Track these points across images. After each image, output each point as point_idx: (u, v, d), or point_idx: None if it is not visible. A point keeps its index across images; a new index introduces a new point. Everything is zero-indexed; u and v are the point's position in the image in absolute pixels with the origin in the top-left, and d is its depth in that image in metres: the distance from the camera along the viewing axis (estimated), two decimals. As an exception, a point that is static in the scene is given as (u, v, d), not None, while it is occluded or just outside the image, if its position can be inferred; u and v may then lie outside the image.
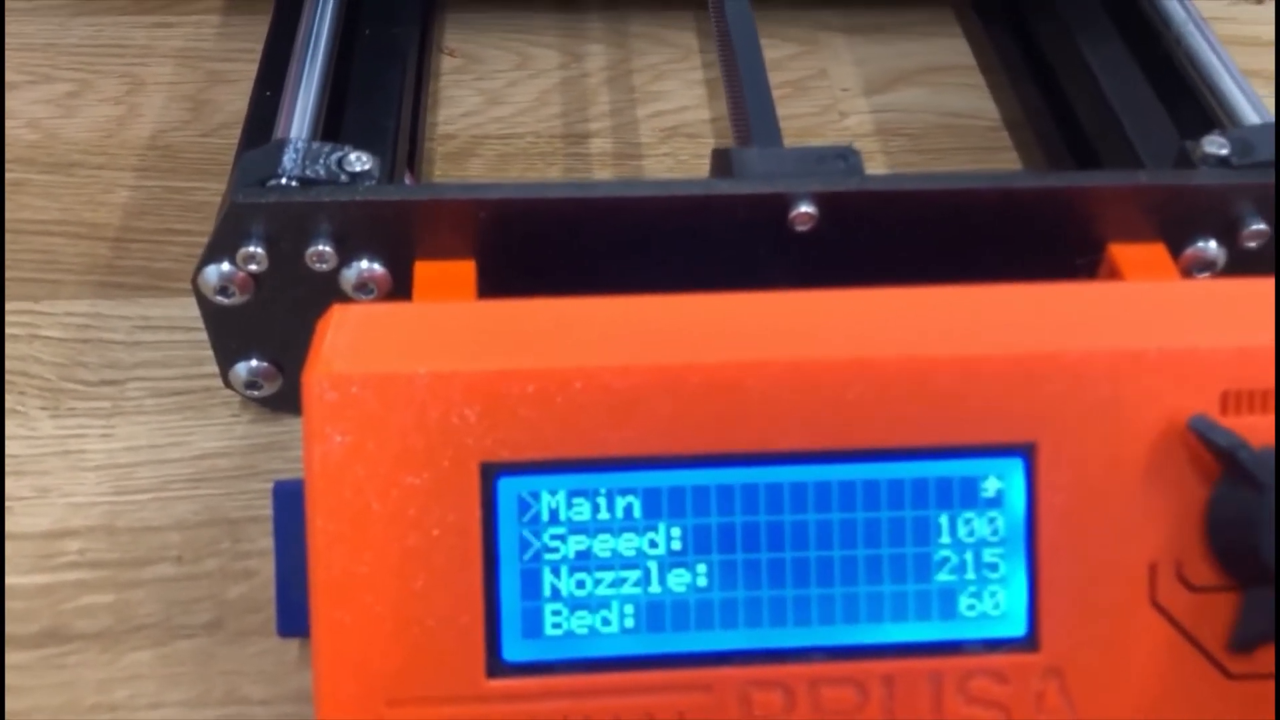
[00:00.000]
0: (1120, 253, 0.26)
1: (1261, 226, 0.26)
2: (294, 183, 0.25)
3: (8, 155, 0.36)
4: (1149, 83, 0.32)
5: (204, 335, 0.28)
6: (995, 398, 0.21)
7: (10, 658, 0.24)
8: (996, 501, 0.22)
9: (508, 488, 0.21)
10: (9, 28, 0.40)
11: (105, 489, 0.28)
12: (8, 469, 0.28)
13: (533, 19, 0.42)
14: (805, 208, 0.25)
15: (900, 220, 0.25)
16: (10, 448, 0.28)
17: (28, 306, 0.32)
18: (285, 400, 0.28)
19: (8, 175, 0.36)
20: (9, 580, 0.26)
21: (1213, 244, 0.26)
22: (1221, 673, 0.22)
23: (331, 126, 0.29)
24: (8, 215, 0.34)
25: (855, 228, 0.25)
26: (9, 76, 0.39)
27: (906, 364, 0.21)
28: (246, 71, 0.34)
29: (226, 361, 0.27)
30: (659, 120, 0.38)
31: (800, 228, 0.25)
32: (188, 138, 0.37)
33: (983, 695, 0.22)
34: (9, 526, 0.27)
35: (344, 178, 0.25)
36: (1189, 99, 0.30)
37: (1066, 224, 0.26)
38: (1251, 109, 0.28)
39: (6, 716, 0.23)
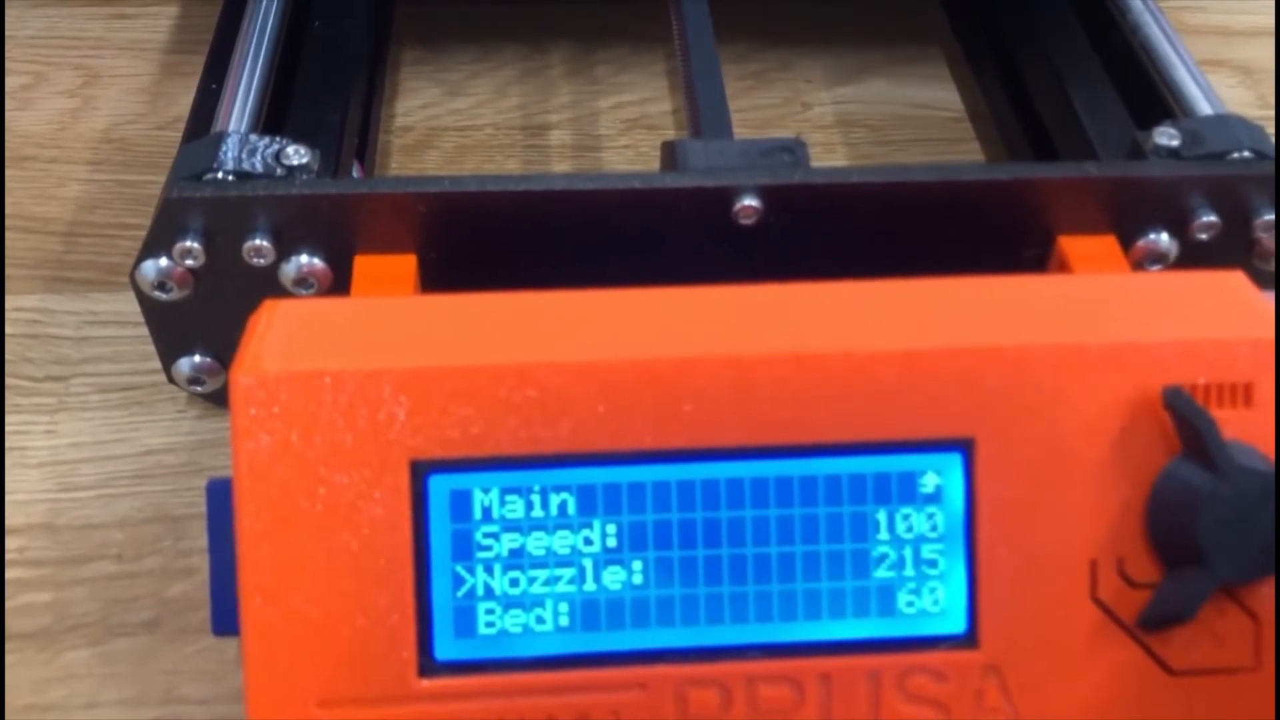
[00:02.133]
0: (1070, 245, 0.26)
1: (1213, 219, 0.26)
2: (230, 176, 0.24)
3: (-43, 149, 0.36)
4: (1107, 74, 0.31)
5: (151, 331, 0.27)
6: (934, 392, 0.21)
7: (-55, 658, 0.24)
8: (935, 497, 0.21)
9: (439, 485, 0.21)
10: (-35, 20, 0.40)
11: (48, 486, 0.27)
12: (-52, 467, 0.28)
13: (494, 10, 0.41)
14: (749, 201, 0.24)
15: (846, 213, 0.25)
16: (-47, 445, 0.28)
17: (-25, 301, 0.31)
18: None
19: (-43, 169, 0.35)
20: (-54, 579, 0.25)
21: (1164, 236, 0.26)
22: (1163, 669, 0.22)
23: (276, 120, 0.29)
24: (-43, 210, 0.34)
25: (801, 221, 0.25)
26: (-36, 69, 0.38)
27: (844, 359, 0.21)
28: (202, 65, 0.33)
29: (169, 357, 0.27)
30: (620, 112, 0.38)
31: (744, 221, 0.25)
32: (142, 130, 0.37)
33: (921, 693, 0.21)
34: (-52, 525, 0.26)
35: (281, 171, 0.25)
36: (1146, 90, 0.30)
37: (1015, 217, 0.25)
38: (1204, 100, 0.28)
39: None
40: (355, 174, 0.30)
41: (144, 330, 0.28)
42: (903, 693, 0.21)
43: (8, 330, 0.31)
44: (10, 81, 0.38)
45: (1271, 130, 0.28)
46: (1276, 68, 0.29)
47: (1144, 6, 0.31)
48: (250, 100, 0.27)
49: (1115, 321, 0.22)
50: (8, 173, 0.35)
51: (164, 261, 0.25)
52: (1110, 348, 0.21)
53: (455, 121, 0.37)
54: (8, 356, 0.30)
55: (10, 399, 0.29)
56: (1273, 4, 0.42)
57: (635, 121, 0.38)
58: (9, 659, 0.24)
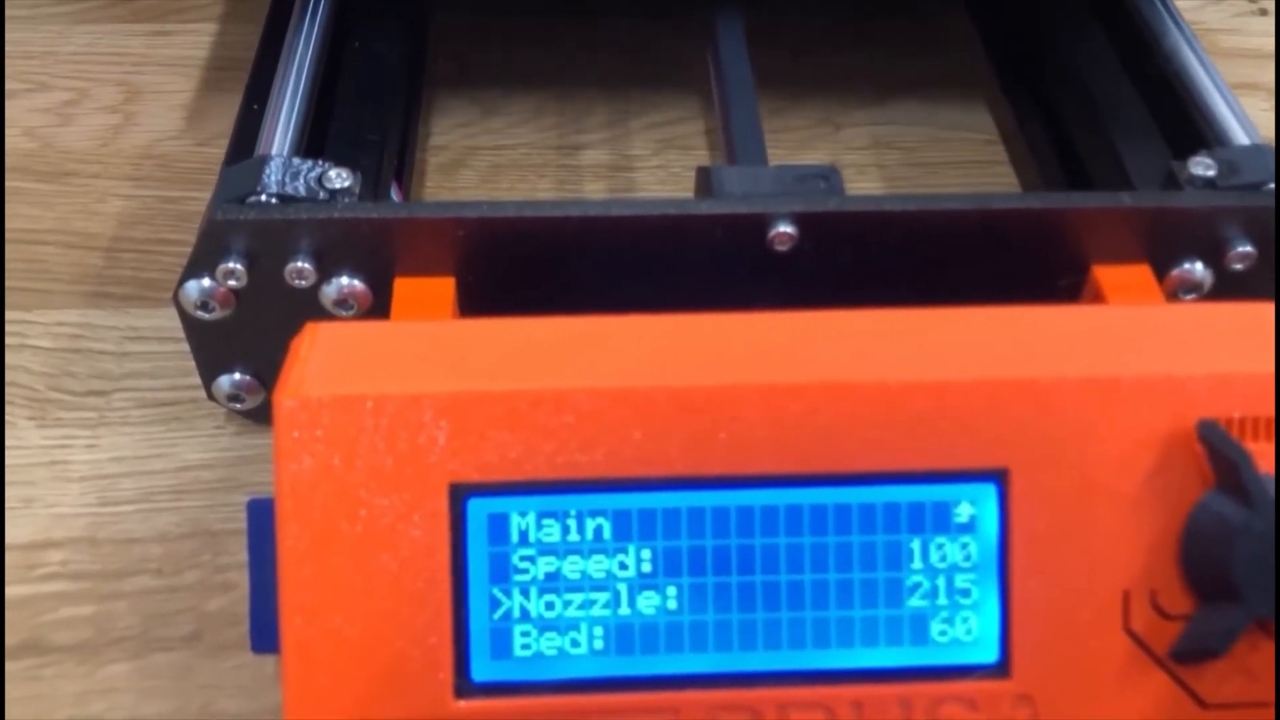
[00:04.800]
0: (1104, 274, 0.26)
1: (1248, 249, 0.26)
2: (274, 199, 0.25)
3: (5, 164, 0.36)
4: (1142, 100, 0.31)
5: (191, 348, 0.28)
6: (968, 423, 0.21)
7: (-13, 670, 0.25)
8: (969, 527, 0.22)
9: (477, 509, 0.21)
10: (10, 36, 0.41)
11: (89, 500, 0.28)
12: (-7, 479, 0.28)
13: (527, 30, 0.41)
14: (784, 228, 0.25)
15: (880, 241, 0.25)
16: (-4, 457, 0.29)
17: (19, 315, 0.32)
18: (269, 413, 0.28)
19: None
20: (-10, 591, 0.26)
21: (1199, 266, 0.26)
22: (1196, 702, 0.22)
23: (316, 142, 0.29)
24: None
25: (835, 248, 0.25)
26: (8, 85, 0.39)
27: (880, 389, 0.21)
28: (243, 81, 0.34)
29: (209, 375, 0.27)
30: (653, 132, 0.38)
31: (779, 248, 0.25)
32: (183, 147, 0.37)
33: (953, 722, 0.21)
34: (-8, 537, 0.27)
35: (324, 194, 0.25)
36: (1181, 117, 0.30)
37: (1049, 245, 0.26)
38: (1240, 129, 0.28)
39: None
40: (394, 194, 0.31)
41: (183, 346, 0.28)
42: (934, 721, 0.21)
43: (50, 345, 0.31)
44: (53, 98, 0.39)
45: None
46: (1277, 74, 0.29)
47: (1179, 34, 0.31)
48: (293, 123, 0.27)
49: (1150, 354, 0.22)
50: (51, 188, 0.36)
51: (207, 282, 0.25)
52: (1145, 380, 0.21)
53: (489, 141, 0.38)
54: (50, 370, 0.31)
55: (52, 413, 0.30)
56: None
57: (668, 142, 0.38)
58: (49, 671, 0.25)
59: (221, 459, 0.29)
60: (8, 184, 0.36)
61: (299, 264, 0.25)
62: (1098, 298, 0.26)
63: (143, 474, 0.28)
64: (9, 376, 0.30)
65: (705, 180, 0.26)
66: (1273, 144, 0.28)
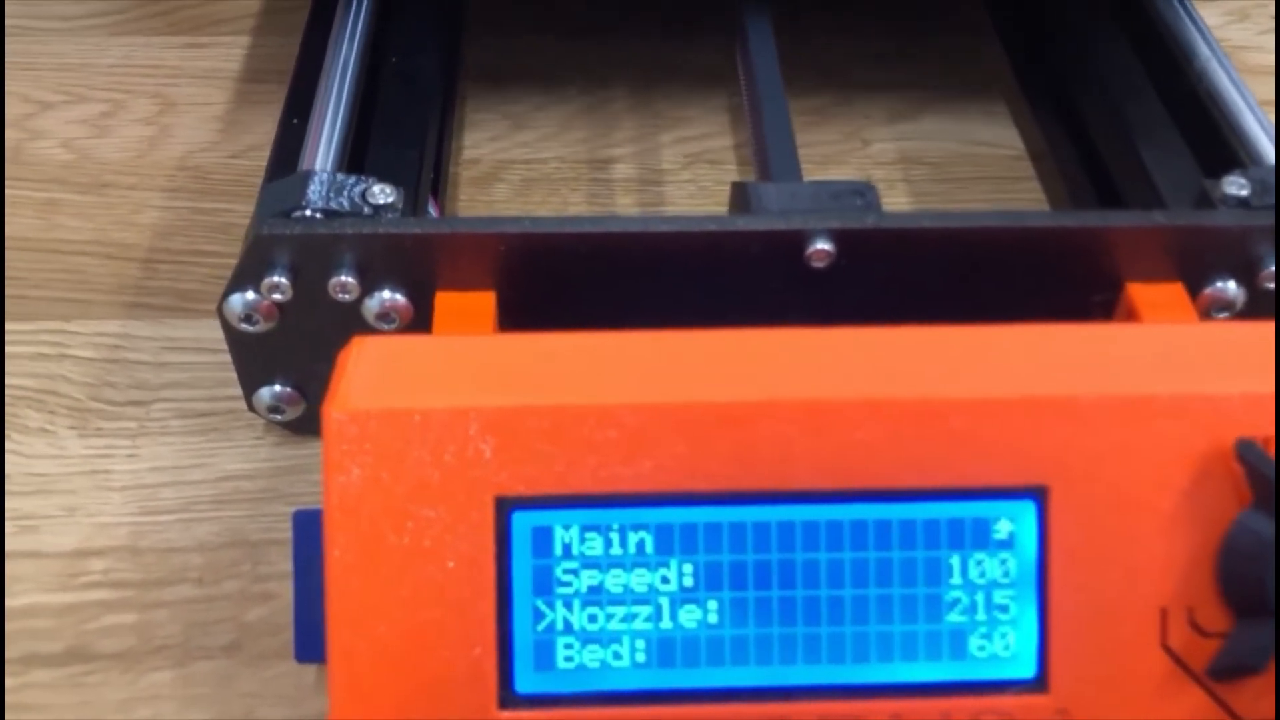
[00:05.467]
0: (1138, 292, 0.26)
1: (1281, 267, 0.26)
2: (318, 214, 0.25)
3: (43, 175, 0.37)
4: (1171, 118, 0.32)
5: (229, 358, 0.28)
6: (1008, 440, 0.22)
7: (33, 676, 0.25)
8: (1008, 543, 0.22)
9: (522, 521, 0.21)
10: (48, 48, 0.41)
11: (130, 509, 0.28)
12: (37, 488, 0.28)
13: (558, 45, 0.42)
14: (822, 244, 0.25)
15: (918, 257, 0.26)
16: (39, 467, 0.29)
17: (59, 326, 0.32)
18: (308, 424, 0.29)
19: (42, 195, 0.36)
20: (36, 599, 0.26)
21: (1231, 284, 0.26)
22: (1232, 717, 0.22)
23: (356, 157, 0.30)
24: (42, 235, 0.35)
25: (873, 265, 0.25)
26: (46, 96, 0.40)
27: (920, 405, 0.22)
28: (276, 93, 0.34)
29: (250, 386, 0.28)
30: (682, 146, 0.39)
31: (817, 264, 0.25)
32: (217, 159, 0.38)
33: (991, 736, 0.22)
34: (37, 545, 0.27)
35: (367, 210, 0.25)
36: (1211, 135, 0.30)
37: (1084, 263, 0.26)
38: (1272, 148, 0.28)
39: (30, 735, 0.24)
40: (431, 209, 0.31)
41: (221, 357, 0.29)
42: (973, 736, 0.22)
43: (90, 355, 0.32)
44: (89, 109, 0.39)
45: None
46: (1277, 85, 0.29)
47: (1210, 52, 0.31)
48: (335, 138, 0.28)
49: (1188, 372, 0.22)
50: (88, 199, 0.36)
51: (251, 295, 0.26)
52: (1183, 398, 0.22)
53: (521, 155, 0.38)
54: (91, 381, 0.31)
55: (93, 423, 0.30)
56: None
57: (697, 156, 0.38)
58: (94, 678, 0.25)
59: (261, 470, 0.29)
60: (47, 195, 0.36)
61: (343, 278, 0.25)
62: (1131, 315, 0.26)
63: (183, 484, 0.29)
64: (50, 386, 0.31)
65: (742, 196, 0.26)
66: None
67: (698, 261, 0.25)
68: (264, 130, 0.38)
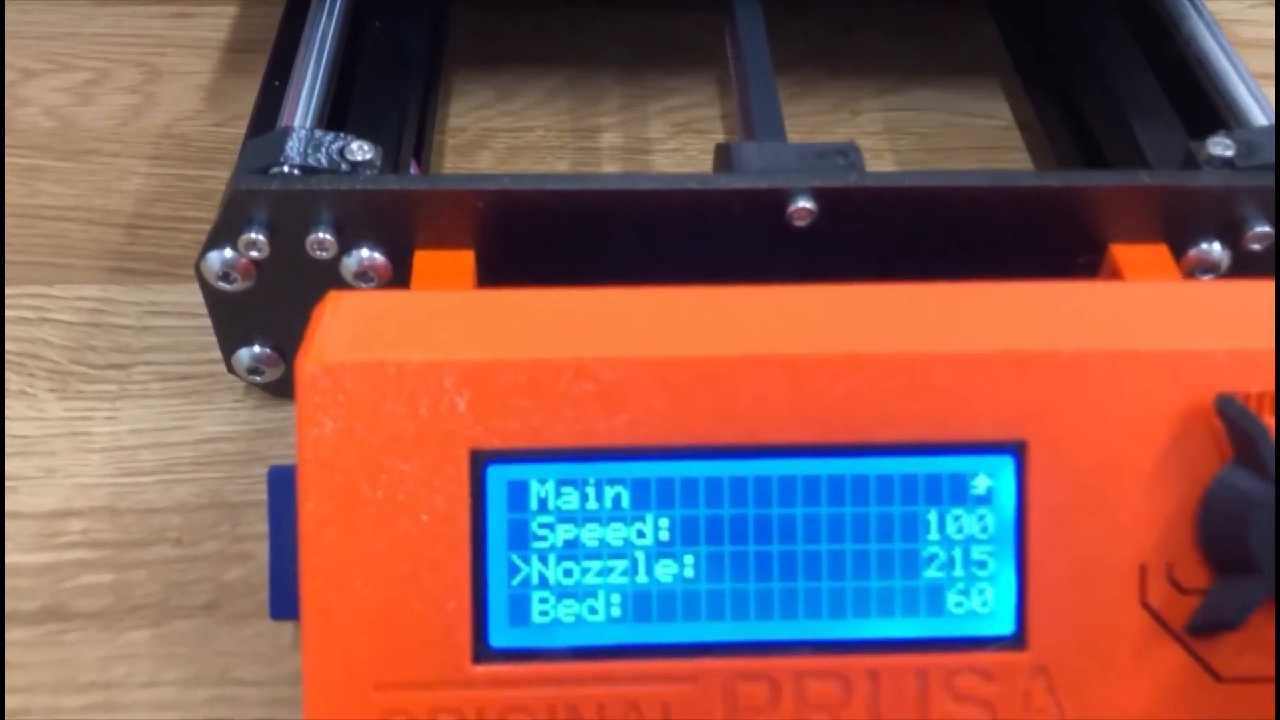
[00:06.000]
0: (1122, 253, 0.26)
1: (1266, 229, 0.26)
2: (296, 170, 0.25)
3: (26, 142, 0.37)
4: (1160, 84, 0.32)
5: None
6: (987, 395, 0.21)
7: (11, 634, 0.25)
8: (986, 499, 0.22)
9: (497, 475, 0.21)
10: (32, 16, 0.41)
11: (109, 471, 0.28)
12: (16, 449, 0.28)
13: (545, 14, 0.42)
14: (803, 203, 0.25)
15: (900, 218, 0.25)
16: (19, 429, 0.29)
17: (40, 290, 0.32)
18: (288, 386, 0.28)
19: (25, 162, 0.36)
20: (14, 558, 0.26)
21: (1216, 246, 0.26)
22: (1211, 676, 0.22)
23: (337, 117, 0.29)
24: (24, 201, 0.35)
25: (854, 224, 0.25)
26: (30, 64, 0.39)
27: (898, 360, 0.21)
28: (262, 63, 0.34)
29: (229, 347, 0.28)
30: (670, 116, 0.38)
31: (798, 223, 0.25)
32: (202, 127, 0.37)
33: (969, 693, 0.22)
34: (15, 506, 0.27)
35: (345, 166, 0.25)
36: (1199, 100, 0.30)
37: (1067, 224, 0.26)
38: (1260, 110, 0.28)
39: (6, 693, 0.24)
40: (413, 172, 0.31)
41: (203, 321, 0.29)
42: (950, 692, 0.21)
43: (71, 319, 0.31)
44: (74, 77, 0.39)
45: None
46: (1277, 67, 0.29)
47: (1199, 18, 0.31)
48: (314, 97, 0.28)
49: (1169, 329, 0.22)
50: (71, 165, 0.36)
51: (229, 252, 0.25)
52: (1163, 355, 0.22)
53: (507, 123, 0.38)
54: (71, 344, 0.31)
55: (73, 385, 0.30)
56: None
57: (685, 125, 0.38)
58: (72, 636, 0.25)
59: (241, 432, 0.29)
60: (29, 162, 0.36)
61: (320, 235, 0.25)
62: (1115, 276, 0.26)
63: (163, 446, 0.28)
64: (30, 350, 0.31)
65: (725, 156, 0.26)
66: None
67: (679, 221, 0.25)
68: (249, 100, 0.37)
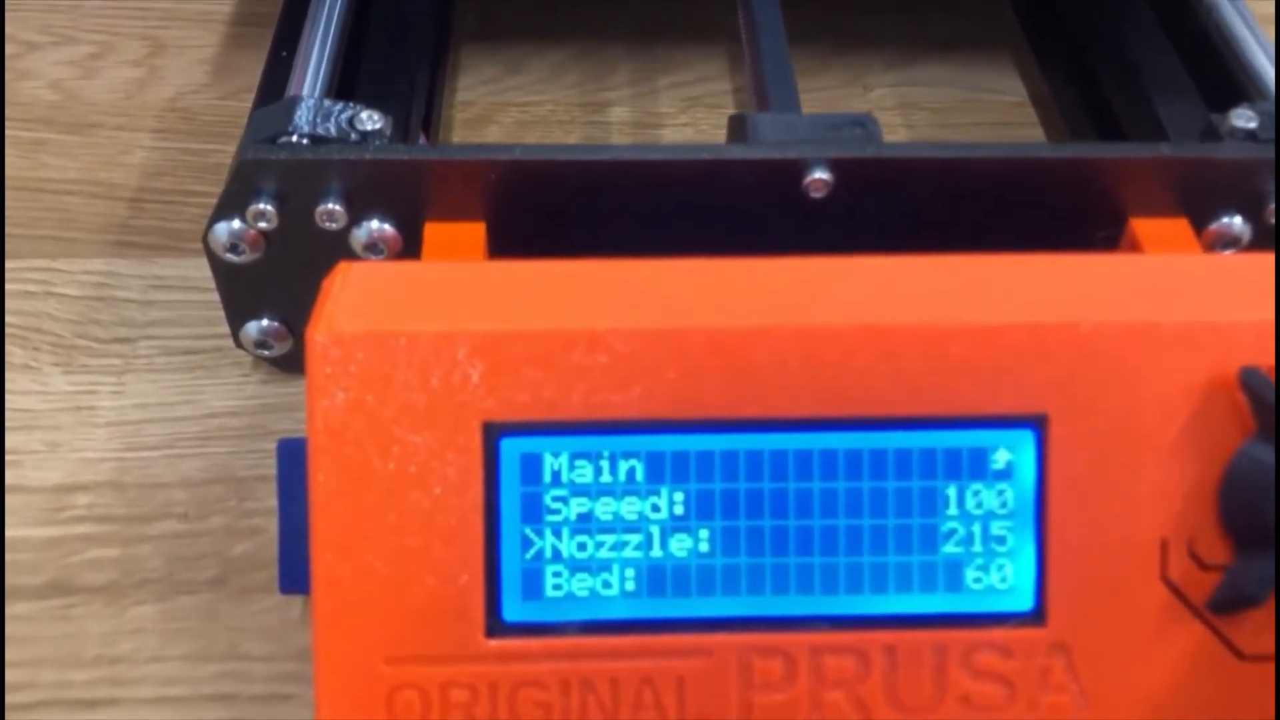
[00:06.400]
0: (1142, 227, 0.26)
1: (1288, 202, 0.26)
2: (304, 140, 0.25)
3: (29, 115, 0.36)
4: (1179, 56, 0.31)
5: (217, 296, 0.28)
6: (1007, 368, 0.21)
7: (16, 608, 0.25)
8: (1006, 474, 0.21)
9: (510, 448, 0.21)
10: (36, -12, 0.41)
11: (115, 445, 0.28)
12: (20, 424, 0.28)
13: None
14: (820, 174, 0.24)
15: (917, 189, 0.25)
16: (23, 402, 0.28)
17: (44, 264, 0.32)
18: (295, 361, 0.28)
19: (28, 135, 0.36)
20: (18, 532, 0.26)
21: (1237, 220, 0.26)
22: (1233, 653, 0.21)
23: (345, 87, 0.29)
24: (28, 174, 0.34)
25: (871, 196, 0.25)
26: (34, 37, 0.39)
27: (917, 331, 0.21)
28: (268, 37, 0.33)
29: (237, 321, 0.27)
30: (680, 90, 0.38)
31: (814, 195, 0.25)
32: (206, 100, 0.37)
33: (987, 669, 0.21)
34: (20, 480, 0.27)
35: (355, 136, 0.25)
36: (1220, 72, 0.30)
37: (1087, 196, 0.25)
38: (1282, 82, 0.28)
39: (10, 666, 0.24)
40: (421, 144, 0.30)
41: (208, 295, 0.28)
42: (968, 668, 0.21)
43: (75, 293, 0.31)
44: (77, 50, 0.39)
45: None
46: (1277, 55, 0.28)
47: (1219, -11, 0.31)
48: (323, 67, 0.27)
49: (1191, 301, 0.22)
50: (75, 139, 0.36)
51: (237, 224, 0.25)
52: (1186, 327, 0.21)
53: (516, 98, 0.37)
54: (76, 318, 0.30)
55: (78, 359, 0.30)
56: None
57: (695, 100, 0.38)
58: (78, 610, 0.25)
59: (247, 406, 0.28)
60: (33, 135, 0.36)
61: (329, 206, 0.24)
62: (1135, 250, 0.26)
63: (168, 420, 0.28)
64: (35, 324, 0.30)
65: (739, 127, 0.26)
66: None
67: (693, 192, 0.25)
68: (255, 73, 0.37)
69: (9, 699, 0.23)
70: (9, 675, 0.23)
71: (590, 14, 0.40)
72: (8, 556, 0.25)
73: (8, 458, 0.27)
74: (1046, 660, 0.21)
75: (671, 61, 0.39)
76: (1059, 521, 0.21)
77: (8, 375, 0.29)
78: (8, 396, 0.28)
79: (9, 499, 0.26)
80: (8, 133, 0.36)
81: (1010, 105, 0.38)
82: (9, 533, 0.26)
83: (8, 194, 0.34)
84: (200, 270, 0.29)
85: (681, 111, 0.37)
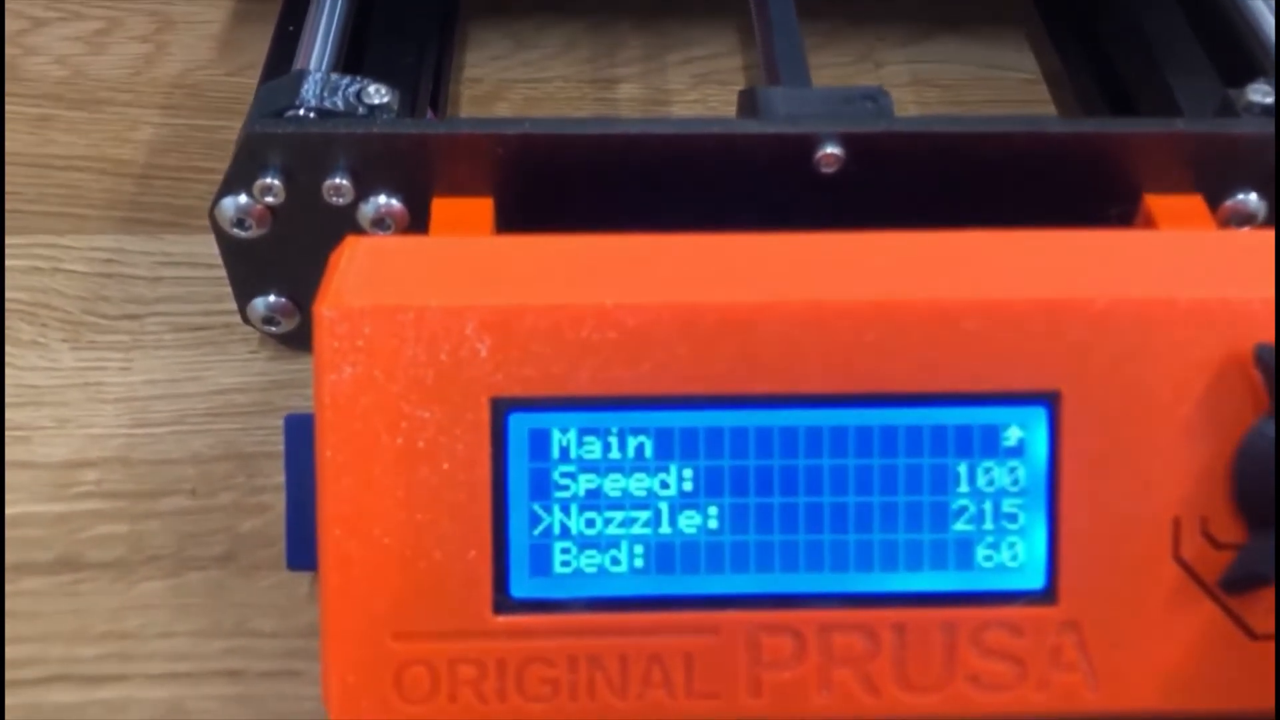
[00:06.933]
0: (1156, 204, 0.25)
1: (1305, 179, 0.25)
2: (312, 114, 0.24)
3: (36, 91, 0.36)
4: (1193, 30, 0.31)
5: (225, 272, 0.27)
6: (1020, 344, 0.21)
7: (25, 583, 0.25)
8: (1018, 451, 0.21)
9: (518, 423, 0.21)
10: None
11: (123, 421, 0.28)
12: (29, 399, 0.28)
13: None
14: (831, 149, 0.24)
15: (929, 164, 0.25)
16: (31, 379, 0.28)
17: (52, 240, 0.32)
18: (303, 338, 0.28)
19: (35, 111, 0.36)
20: (27, 508, 0.26)
21: (1253, 197, 0.26)
22: (1245, 632, 0.21)
23: (352, 63, 0.29)
24: (35, 150, 0.34)
25: (883, 171, 0.25)
26: (40, 13, 0.39)
27: (929, 307, 0.21)
28: (274, 14, 0.33)
29: (244, 297, 0.27)
30: (690, 67, 0.38)
31: (826, 169, 0.24)
32: (214, 77, 0.37)
33: (997, 647, 0.21)
34: (28, 455, 0.27)
35: (362, 110, 0.25)
36: (1236, 48, 0.29)
37: (1100, 172, 0.25)
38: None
39: (20, 641, 0.24)
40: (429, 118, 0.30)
41: (216, 272, 0.28)
42: (978, 647, 0.21)
43: (84, 269, 0.31)
44: (84, 26, 0.38)
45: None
46: (1277, 48, 0.28)
47: (1236, -37, 0.30)
48: (330, 40, 0.27)
49: (1206, 277, 0.21)
50: (83, 115, 0.35)
51: (243, 199, 0.25)
52: (1200, 303, 0.21)
53: (524, 74, 0.37)
54: (84, 295, 0.30)
55: (86, 335, 0.29)
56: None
57: (705, 76, 0.37)
58: (86, 586, 0.25)
59: (255, 383, 0.28)
60: (40, 111, 0.36)
61: (337, 180, 0.24)
62: (1149, 227, 0.26)
63: (176, 397, 0.28)
64: (43, 300, 0.30)
65: (750, 101, 0.25)
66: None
67: (703, 167, 0.25)
68: (262, 50, 0.36)
69: (18, 674, 0.23)
70: (18, 650, 0.23)
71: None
72: (17, 532, 0.25)
73: (17, 434, 0.27)
74: (1057, 639, 0.21)
75: (681, 38, 0.39)
76: (1071, 499, 0.21)
77: (17, 352, 0.29)
78: (16, 373, 0.28)
79: (18, 475, 0.26)
80: (16, 109, 0.35)
81: (1023, 82, 0.38)
82: (18, 508, 0.26)
83: (16, 170, 0.34)
84: (208, 247, 0.29)
85: (691, 88, 0.37)
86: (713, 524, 0.21)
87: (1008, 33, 0.39)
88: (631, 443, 0.21)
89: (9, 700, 0.23)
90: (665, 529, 0.21)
